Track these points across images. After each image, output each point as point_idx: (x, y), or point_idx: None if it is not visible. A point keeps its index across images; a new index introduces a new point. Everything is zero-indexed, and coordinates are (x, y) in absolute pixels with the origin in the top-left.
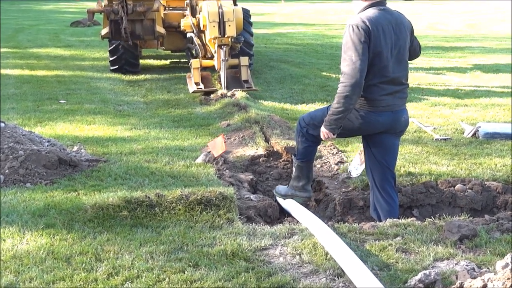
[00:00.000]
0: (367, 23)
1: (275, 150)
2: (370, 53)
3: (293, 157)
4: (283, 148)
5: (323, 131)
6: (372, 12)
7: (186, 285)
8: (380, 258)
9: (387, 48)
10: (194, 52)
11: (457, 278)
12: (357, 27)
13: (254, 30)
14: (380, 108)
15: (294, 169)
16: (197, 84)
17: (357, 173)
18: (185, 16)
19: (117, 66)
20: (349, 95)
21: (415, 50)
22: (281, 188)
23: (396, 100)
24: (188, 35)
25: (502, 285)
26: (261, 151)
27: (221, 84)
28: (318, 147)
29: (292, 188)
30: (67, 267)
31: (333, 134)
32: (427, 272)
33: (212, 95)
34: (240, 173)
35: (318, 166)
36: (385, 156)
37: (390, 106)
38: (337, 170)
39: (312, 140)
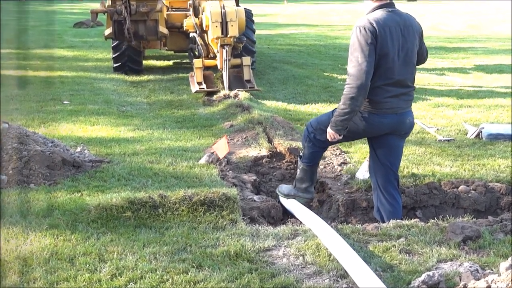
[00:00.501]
0: (374, 25)
1: (278, 151)
2: (376, 55)
3: (298, 158)
4: (286, 149)
5: (329, 132)
6: (380, 13)
7: (190, 286)
8: (384, 259)
9: (394, 50)
10: (196, 52)
11: (460, 280)
12: (364, 28)
13: (256, 31)
14: (384, 110)
15: (298, 170)
16: (199, 84)
17: (365, 179)
18: (188, 16)
19: (119, 63)
20: (354, 97)
21: (422, 55)
22: (284, 187)
23: (401, 102)
24: (191, 35)
25: (506, 286)
26: (264, 152)
27: (223, 84)
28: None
29: (295, 188)
30: (71, 268)
31: (339, 135)
32: (430, 273)
33: (215, 96)
34: (243, 174)
35: (322, 167)
36: (389, 157)
37: (394, 108)
38: (340, 171)
39: (319, 146)
